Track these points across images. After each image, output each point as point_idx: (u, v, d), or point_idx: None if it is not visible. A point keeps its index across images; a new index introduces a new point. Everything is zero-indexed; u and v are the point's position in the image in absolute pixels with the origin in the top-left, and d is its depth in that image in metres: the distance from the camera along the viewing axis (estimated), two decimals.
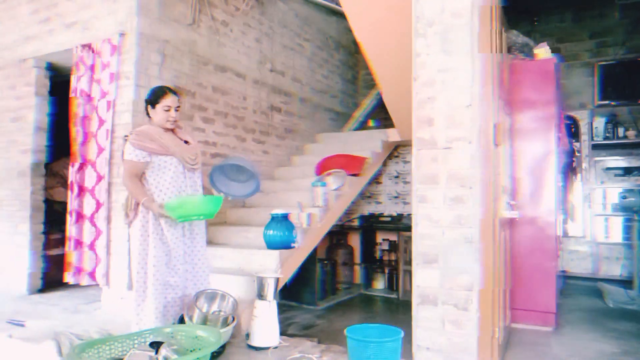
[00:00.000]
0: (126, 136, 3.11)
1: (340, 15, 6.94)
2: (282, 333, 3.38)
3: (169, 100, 3.15)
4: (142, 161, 3.05)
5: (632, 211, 5.42)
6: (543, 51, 4.29)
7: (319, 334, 3.98)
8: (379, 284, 6.09)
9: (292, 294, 5.10)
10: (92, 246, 4.34)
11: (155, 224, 3.06)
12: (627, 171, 6.37)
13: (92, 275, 4.35)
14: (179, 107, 3.22)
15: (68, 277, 4.41)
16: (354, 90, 8.13)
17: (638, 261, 5.22)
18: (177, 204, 2.97)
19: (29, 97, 5.07)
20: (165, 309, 3.04)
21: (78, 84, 4.51)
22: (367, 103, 7.67)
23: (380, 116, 7.23)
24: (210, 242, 4.23)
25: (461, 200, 2.49)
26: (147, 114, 3.22)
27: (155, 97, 3.17)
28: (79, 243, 4.40)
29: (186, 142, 3.26)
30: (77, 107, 4.48)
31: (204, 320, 3.04)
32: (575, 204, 6.64)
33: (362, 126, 7.60)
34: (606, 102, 6.53)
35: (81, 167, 4.44)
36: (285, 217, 4.05)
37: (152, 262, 3.02)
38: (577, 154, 6.57)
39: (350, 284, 6.08)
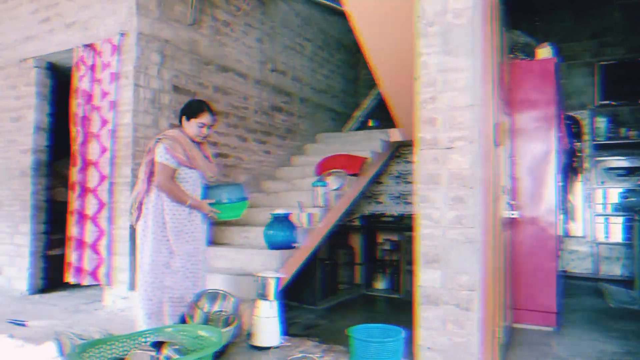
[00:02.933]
0: (159, 139, 3.13)
1: (342, 15, 6.93)
2: (284, 333, 3.37)
3: (205, 118, 3.22)
4: (174, 167, 3.11)
5: (632, 211, 5.41)
6: (545, 51, 4.28)
7: (320, 333, 3.98)
8: (381, 284, 6.08)
9: (293, 294, 5.09)
10: (94, 246, 4.34)
11: (157, 225, 3.08)
12: (629, 171, 6.36)
13: (93, 275, 4.35)
14: (213, 125, 3.31)
15: (69, 277, 4.41)
16: (354, 90, 8.13)
17: (639, 261, 5.21)
18: (231, 205, 3.28)
19: (29, 97, 5.07)
20: (158, 309, 3.06)
21: (79, 84, 4.51)
22: (367, 103, 7.68)
23: (381, 116, 7.22)
24: (211, 242, 4.24)
25: (462, 200, 2.49)
26: (180, 122, 3.28)
27: (192, 111, 3.22)
28: (81, 243, 4.40)
29: (207, 157, 3.36)
30: (78, 107, 4.49)
31: (206, 320, 3.04)
32: (576, 204, 6.64)
33: (363, 126, 7.60)
34: (607, 102, 6.53)
35: (84, 168, 4.44)
36: (286, 217, 4.05)
37: (147, 262, 3.06)
38: (578, 154, 6.57)
39: (351, 284, 6.07)
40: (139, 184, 3.20)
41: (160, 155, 3.08)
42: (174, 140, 3.11)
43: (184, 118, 3.23)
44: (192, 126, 3.21)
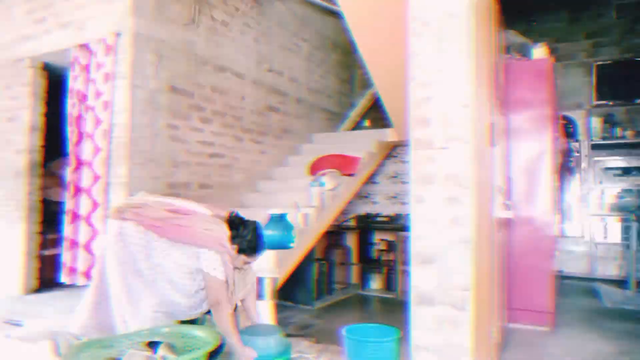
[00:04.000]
0: (219, 243, 2.80)
1: (338, 15, 6.93)
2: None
3: (255, 259, 2.99)
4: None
5: (629, 211, 5.42)
6: (541, 51, 4.29)
7: (315, 334, 3.98)
8: (376, 284, 6.09)
9: (288, 294, 5.09)
10: (87, 246, 4.33)
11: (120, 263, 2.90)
12: (626, 171, 6.38)
13: (87, 275, 4.33)
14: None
15: (64, 277, 4.40)
16: (350, 90, 8.13)
17: (635, 262, 5.23)
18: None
19: (24, 97, 5.05)
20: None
21: (74, 84, 4.50)
22: (363, 103, 7.68)
23: (377, 116, 7.23)
24: None
25: (457, 201, 2.49)
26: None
27: (247, 249, 2.87)
28: (74, 243, 4.39)
29: None
30: (72, 107, 4.48)
31: (203, 320, 3.03)
32: (572, 204, 6.65)
33: (358, 126, 7.60)
34: (603, 102, 6.55)
35: (78, 167, 4.43)
36: (284, 217, 4.04)
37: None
38: (576, 153, 6.59)
39: (346, 284, 6.08)
40: (155, 204, 2.98)
41: (216, 266, 2.77)
42: (227, 254, 2.85)
43: (235, 246, 2.85)
44: (238, 259, 2.89)
